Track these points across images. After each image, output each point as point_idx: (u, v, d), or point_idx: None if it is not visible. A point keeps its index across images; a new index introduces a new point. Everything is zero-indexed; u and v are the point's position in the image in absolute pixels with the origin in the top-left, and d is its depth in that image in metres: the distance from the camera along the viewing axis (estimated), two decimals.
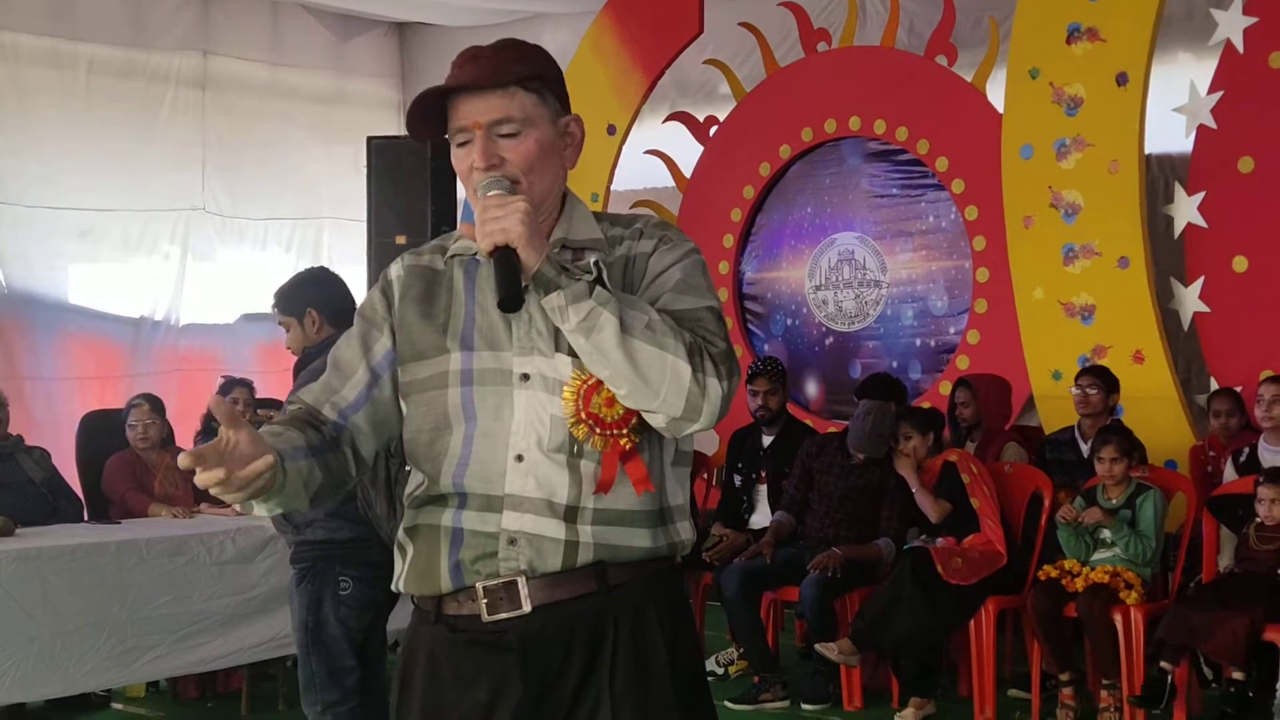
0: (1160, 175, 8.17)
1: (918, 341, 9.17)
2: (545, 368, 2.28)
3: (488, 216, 2.19)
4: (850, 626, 6.42)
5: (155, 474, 7.05)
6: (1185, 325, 7.64)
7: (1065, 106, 7.84)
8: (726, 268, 9.72)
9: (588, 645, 2.29)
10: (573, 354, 2.24)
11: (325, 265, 6.13)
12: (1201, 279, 7.52)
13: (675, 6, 9.51)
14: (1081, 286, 7.81)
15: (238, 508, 2.29)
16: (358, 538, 4.43)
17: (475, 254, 2.35)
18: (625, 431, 2.26)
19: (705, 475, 8.27)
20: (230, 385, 7.22)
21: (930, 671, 6.45)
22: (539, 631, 2.28)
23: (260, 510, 2.28)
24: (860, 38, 9.25)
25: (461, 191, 9.46)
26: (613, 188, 9.80)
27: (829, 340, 9.58)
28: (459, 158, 2.35)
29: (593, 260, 2.21)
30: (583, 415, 2.25)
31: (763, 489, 7.54)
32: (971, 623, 6.31)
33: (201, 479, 2.09)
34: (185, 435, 7.60)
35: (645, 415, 2.24)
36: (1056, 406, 7.73)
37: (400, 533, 2.41)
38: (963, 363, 8.61)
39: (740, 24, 9.65)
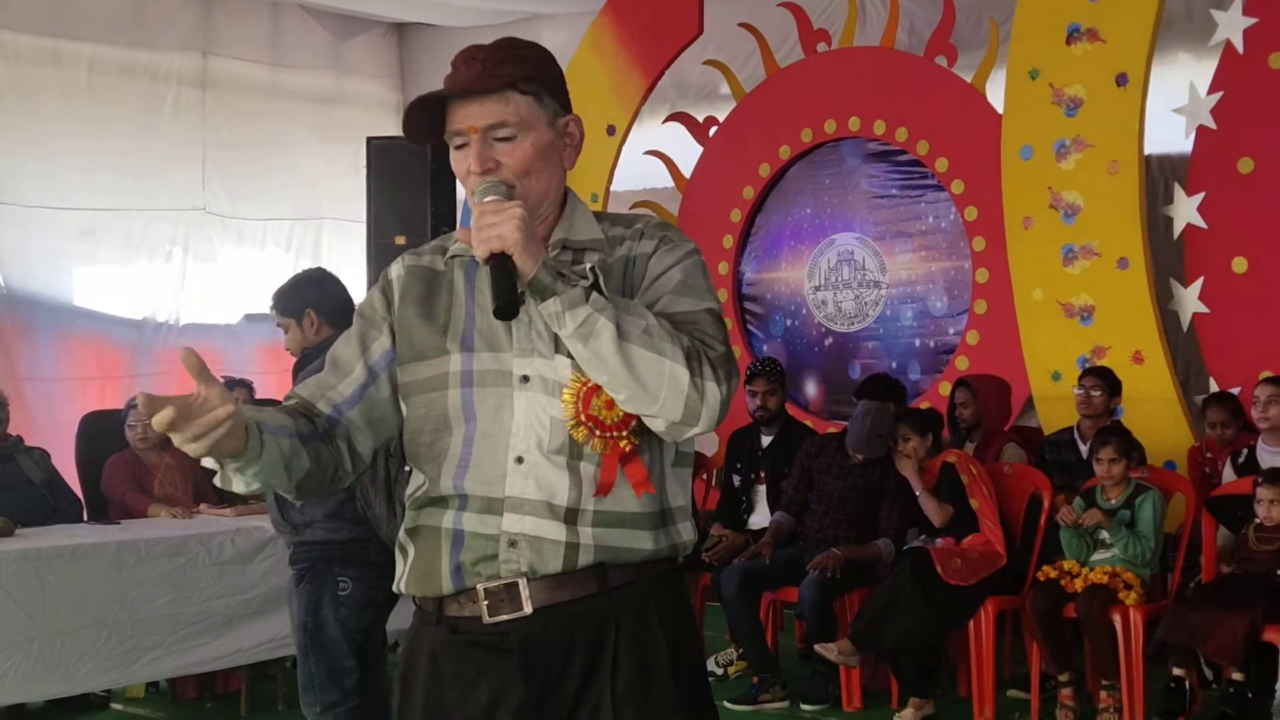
0: (1160, 176, 8.17)
1: (917, 342, 9.17)
2: (545, 369, 2.28)
3: (483, 223, 2.18)
4: (849, 627, 6.42)
5: (155, 474, 7.05)
6: (1185, 326, 7.64)
7: (1065, 107, 7.84)
8: (726, 268, 9.72)
9: (589, 647, 2.29)
10: (572, 356, 2.24)
11: (324, 266, 6.13)
12: (1201, 280, 7.52)
13: (675, 7, 9.51)
14: (1081, 287, 7.81)
15: (214, 468, 2.25)
16: (357, 538, 4.43)
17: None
18: (625, 434, 2.26)
19: (704, 476, 8.27)
20: (230, 386, 7.21)
21: (929, 672, 6.45)
22: (540, 633, 2.28)
23: (239, 483, 2.26)
24: (860, 38, 9.25)
25: (461, 192, 9.47)
26: (612, 188, 9.80)
27: (828, 341, 9.59)
28: (457, 160, 2.35)
29: (589, 266, 2.20)
30: (582, 417, 2.24)
31: (761, 489, 7.55)
32: (971, 623, 6.30)
33: (155, 420, 2.07)
34: None
35: (644, 419, 2.24)
36: (1056, 407, 7.73)
37: (401, 533, 2.41)
38: (962, 363, 8.61)
39: (740, 24, 9.65)
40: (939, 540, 6.56)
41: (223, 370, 8.68)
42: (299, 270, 5.15)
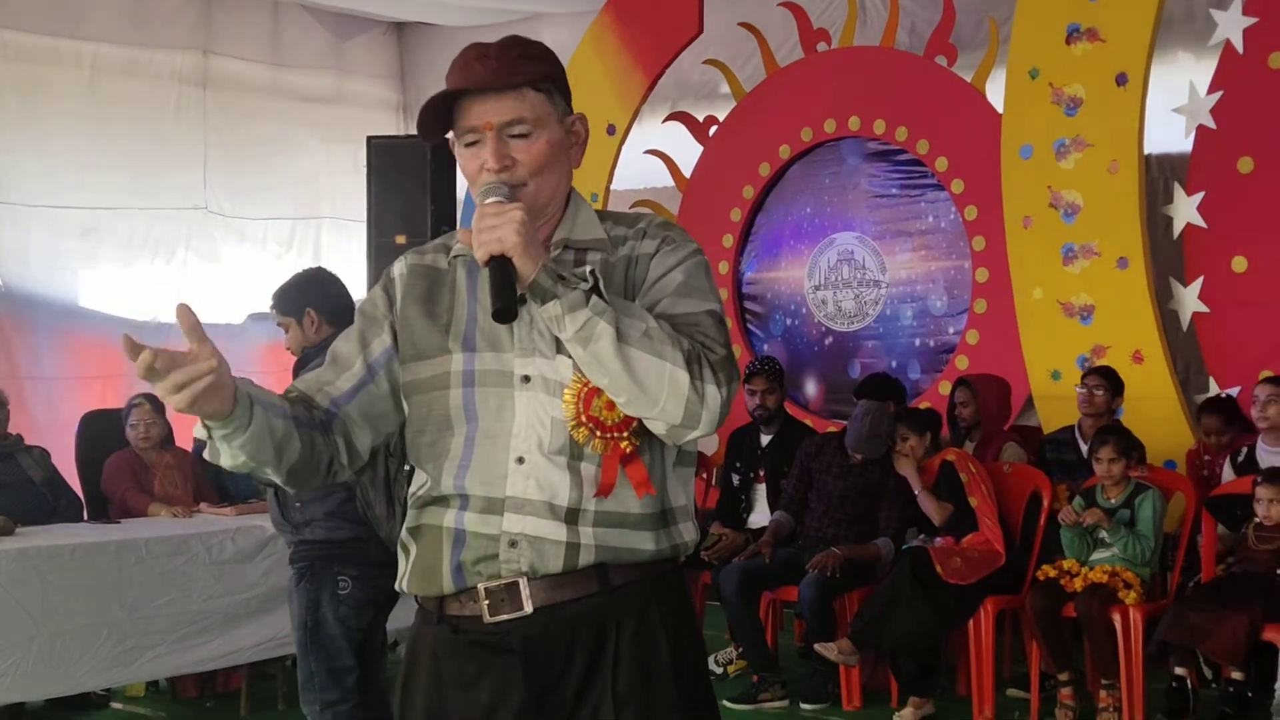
0: (1160, 175, 8.17)
1: (917, 341, 9.17)
2: (546, 369, 2.27)
3: (484, 225, 2.18)
4: (849, 626, 6.43)
5: (155, 473, 7.05)
6: (1184, 325, 7.64)
7: (1065, 107, 7.85)
8: (726, 267, 9.72)
9: (590, 647, 2.29)
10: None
11: (324, 265, 6.13)
12: (1200, 279, 7.52)
13: (675, 6, 9.51)
14: (1081, 286, 7.81)
15: (203, 437, 2.24)
16: (356, 537, 4.43)
17: None
18: (626, 435, 2.25)
19: (704, 475, 8.27)
20: None
21: (929, 671, 6.45)
22: (541, 633, 2.28)
23: (226, 455, 2.24)
24: (860, 38, 9.25)
25: (461, 191, 9.53)
26: (612, 187, 9.81)
27: (828, 340, 9.59)
28: (467, 158, 2.33)
29: (589, 269, 2.19)
30: (583, 418, 2.24)
31: (761, 488, 7.55)
32: (970, 622, 6.31)
33: (138, 365, 2.07)
34: (185, 435, 7.59)
35: (645, 422, 2.23)
36: (1055, 406, 7.73)
37: (404, 532, 2.41)
38: (962, 363, 8.62)
39: (740, 24, 9.66)
40: (938, 539, 6.56)
41: None
42: (299, 269, 5.14)
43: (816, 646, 6.41)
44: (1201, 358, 7.68)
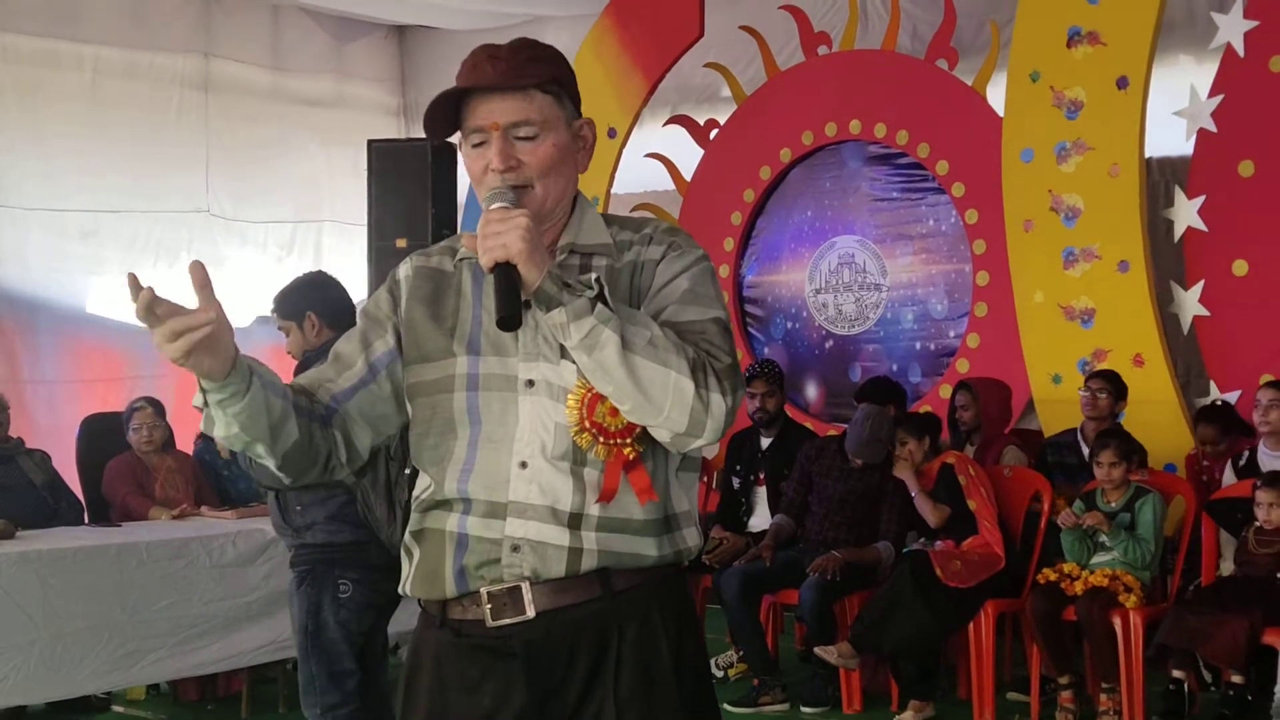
0: (1160, 179, 8.17)
1: (918, 345, 9.17)
2: (551, 374, 2.27)
3: (489, 231, 2.17)
4: (849, 629, 6.43)
5: (156, 477, 7.06)
6: (1185, 329, 7.64)
7: (1066, 110, 7.85)
8: (727, 271, 9.72)
9: (592, 651, 2.28)
10: None
11: (325, 268, 6.14)
12: (1201, 283, 7.52)
13: (676, 10, 9.51)
14: (1081, 290, 7.81)
15: (200, 406, 2.22)
16: (357, 541, 4.43)
17: None
18: (629, 441, 2.24)
19: (704, 478, 8.28)
20: None
21: (929, 674, 6.46)
22: (543, 637, 2.28)
23: (220, 423, 2.21)
24: (861, 41, 9.25)
25: (462, 195, 9.52)
26: (612, 191, 9.81)
27: (829, 343, 9.59)
28: (473, 158, 2.33)
29: (594, 276, 2.19)
30: (586, 424, 2.23)
31: (761, 491, 7.55)
32: (970, 626, 6.31)
33: (138, 304, 2.07)
34: (186, 438, 7.61)
35: (650, 430, 2.23)
36: (1056, 410, 7.73)
37: (407, 535, 2.40)
38: (963, 366, 8.62)
39: (741, 27, 9.66)
40: (938, 543, 6.56)
41: None
42: (300, 273, 5.14)
43: (817, 650, 6.41)
44: (1202, 361, 7.67)
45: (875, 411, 6.93)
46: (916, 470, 6.74)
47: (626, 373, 2.15)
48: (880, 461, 6.85)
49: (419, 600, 2.41)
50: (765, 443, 7.60)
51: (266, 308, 5.09)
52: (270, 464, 2.31)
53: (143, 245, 10.05)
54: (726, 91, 9.92)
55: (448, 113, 2.33)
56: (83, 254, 9.78)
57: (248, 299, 10.11)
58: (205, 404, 2.22)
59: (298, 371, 4.68)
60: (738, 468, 7.67)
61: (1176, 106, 7.59)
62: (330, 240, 11.26)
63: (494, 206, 2.22)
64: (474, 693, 2.32)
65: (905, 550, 6.70)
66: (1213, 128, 7.45)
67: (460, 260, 2.40)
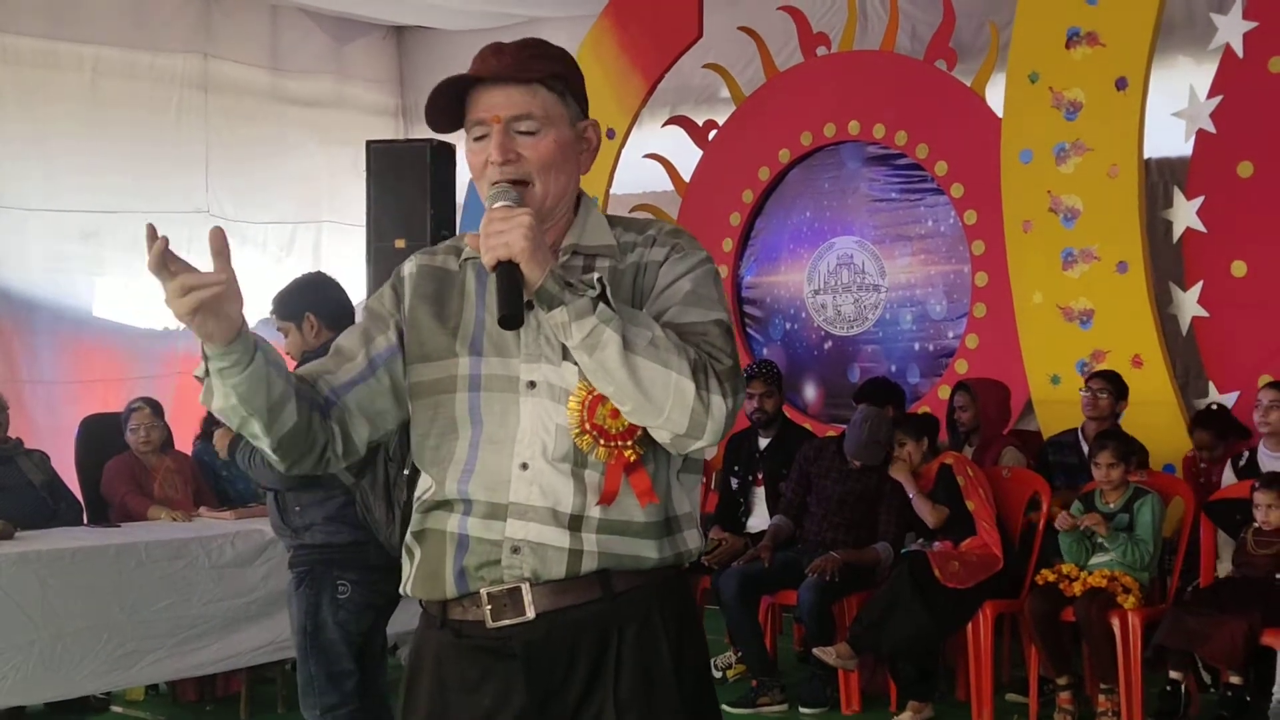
0: (1159, 180, 8.17)
1: (916, 346, 9.17)
2: (552, 376, 2.26)
3: (491, 230, 2.17)
4: (848, 630, 6.43)
5: (155, 477, 7.06)
6: (1184, 330, 7.64)
7: (1065, 111, 7.85)
8: (725, 272, 9.72)
9: (592, 652, 2.28)
10: None
11: (325, 269, 6.13)
12: (1200, 284, 7.52)
13: (674, 11, 9.52)
14: (1080, 291, 7.82)
15: (200, 375, 2.22)
16: (356, 541, 4.43)
17: None
18: (630, 443, 2.24)
19: (702, 479, 8.27)
20: None
21: (928, 675, 6.46)
22: (543, 638, 2.27)
23: (219, 393, 2.21)
24: (860, 42, 9.25)
25: (461, 195, 9.50)
26: (611, 192, 9.81)
27: (828, 344, 9.59)
28: (474, 152, 2.32)
29: (596, 276, 2.18)
30: (587, 426, 2.23)
31: (759, 491, 7.55)
32: (969, 626, 6.31)
33: (151, 254, 2.09)
34: (185, 439, 7.61)
35: (650, 431, 2.22)
36: (1055, 411, 7.73)
37: (409, 536, 2.40)
38: (961, 367, 8.62)
39: (740, 28, 9.66)
40: (937, 544, 6.57)
41: None
42: (300, 273, 5.14)
43: (815, 650, 6.41)
44: (1201, 362, 7.68)
45: (874, 413, 6.93)
46: (915, 471, 6.74)
47: (628, 373, 2.14)
48: (879, 463, 6.85)
49: (420, 601, 2.41)
50: (763, 443, 7.61)
51: (265, 308, 5.08)
52: (265, 445, 2.29)
53: (142, 246, 9.97)
54: (725, 92, 9.92)
55: (451, 106, 2.32)
56: (82, 254, 9.78)
57: (247, 299, 10.12)
58: (206, 373, 2.22)
59: None
60: (736, 468, 7.67)
61: (1175, 107, 7.59)
62: (329, 241, 11.26)
63: (497, 205, 2.22)
64: (474, 693, 2.32)
65: (904, 551, 6.70)
66: (1212, 129, 7.46)
67: (465, 260, 2.40)
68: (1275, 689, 5.60)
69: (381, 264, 8.82)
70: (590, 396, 2.23)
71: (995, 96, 8.36)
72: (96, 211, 9.78)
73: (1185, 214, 7.55)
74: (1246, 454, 6.63)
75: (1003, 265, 8.23)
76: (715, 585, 6.88)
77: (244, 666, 6.38)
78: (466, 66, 2.34)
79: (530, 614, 2.27)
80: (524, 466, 2.26)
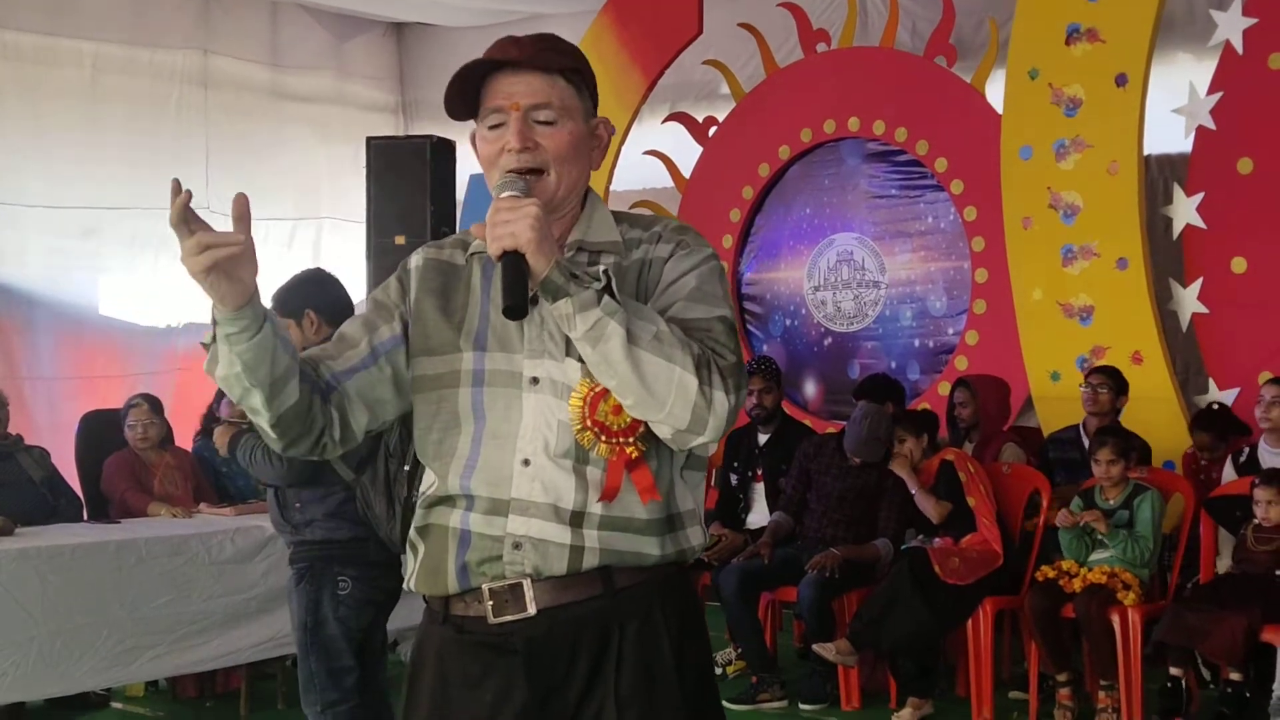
0: (1159, 176, 8.17)
1: (916, 342, 9.17)
2: (555, 372, 2.26)
3: (498, 219, 2.15)
4: (848, 627, 6.43)
5: (155, 474, 7.06)
6: (1184, 326, 7.65)
7: (1064, 107, 7.85)
8: (725, 268, 9.70)
9: (593, 649, 2.28)
10: (583, 360, 2.21)
11: (323, 266, 6.13)
12: (1200, 280, 7.52)
13: (674, 7, 9.52)
14: (1080, 287, 7.82)
15: (207, 341, 2.22)
16: (356, 538, 4.43)
17: None
18: (632, 440, 2.23)
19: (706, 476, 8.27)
20: None
21: (928, 672, 6.46)
22: (544, 634, 2.27)
23: (224, 359, 2.20)
24: (860, 38, 9.26)
25: (461, 192, 9.49)
26: (611, 188, 9.81)
27: (828, 341, 9.59)
28: (489, 140, 2.31)
29: (602, 269, 2.18)
30: (588, 422, 2.22)
31: (759, 487, 7.56)
32: (969, 623, 6.31)
33: (174, 207, 2.10)
34: (185, 435, 7.61)
35: (652, 426, 2.22)
36: (1055, 407, 7.74)
37: (412, 531, 2.40)
38: (961, 363, 8.62)
39: (739, 24, 9.66)
40: (937, 540, 6.57)
41: None
42: (300, 269, 5.14)
43: (815, 647, 6.42)
44: (1201, 359, 7.68)
45: (873, 410, 6.93)
46: (915, 468, 6.74)
47: (630, 366, 2.14)
48: (879, 460, 6.85)
49: (423, 596, 2.41)
50: (763, 439, 7.61)
51: (265, 304, 5.07)
52: (264, 421, 2.28)
53: (143, 242, 10.05)
54: (725, 89, 9.92)
55: (467, 94, 2.32)
56: (82, 251, 9.78)
57: None
58: (213, 339, 2.22)
59: None
60: (735, 464, 7.67)
61: (1175, 104, 7.59)
62: (329, 237, 11.26)
63: (505, 195, 2.21)
64: (476, 689, 2.31)
65: (904, 547, 6.70)
66: (1211, 125, 7.46)
67: (471, 255, 2.40)
68: (1275, 685, 5.60)
69: (381, 260, 8.82)
70: (592, 393, 2.22)
71: (995, 93, 8.36)
72: (96, 208, 9.78)
73: (1185, 210, 7.55)
74: (1247, 450, 6.63)
75: (1003, 262, 8.23)
76: (715, 581, 6.89)
77: (244, 663, 6.38)
78: (466, 63, 2.33)
79: (531, 610, 2.26)
80: (526, 462, 2.26)
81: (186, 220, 2.11)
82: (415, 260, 2.45)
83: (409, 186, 9.06)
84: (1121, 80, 7.62)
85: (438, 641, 2.37)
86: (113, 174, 9.85)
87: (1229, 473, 6.61)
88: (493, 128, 2.31)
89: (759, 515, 7.46)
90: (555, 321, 2.22)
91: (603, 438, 2.23)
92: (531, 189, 2.24)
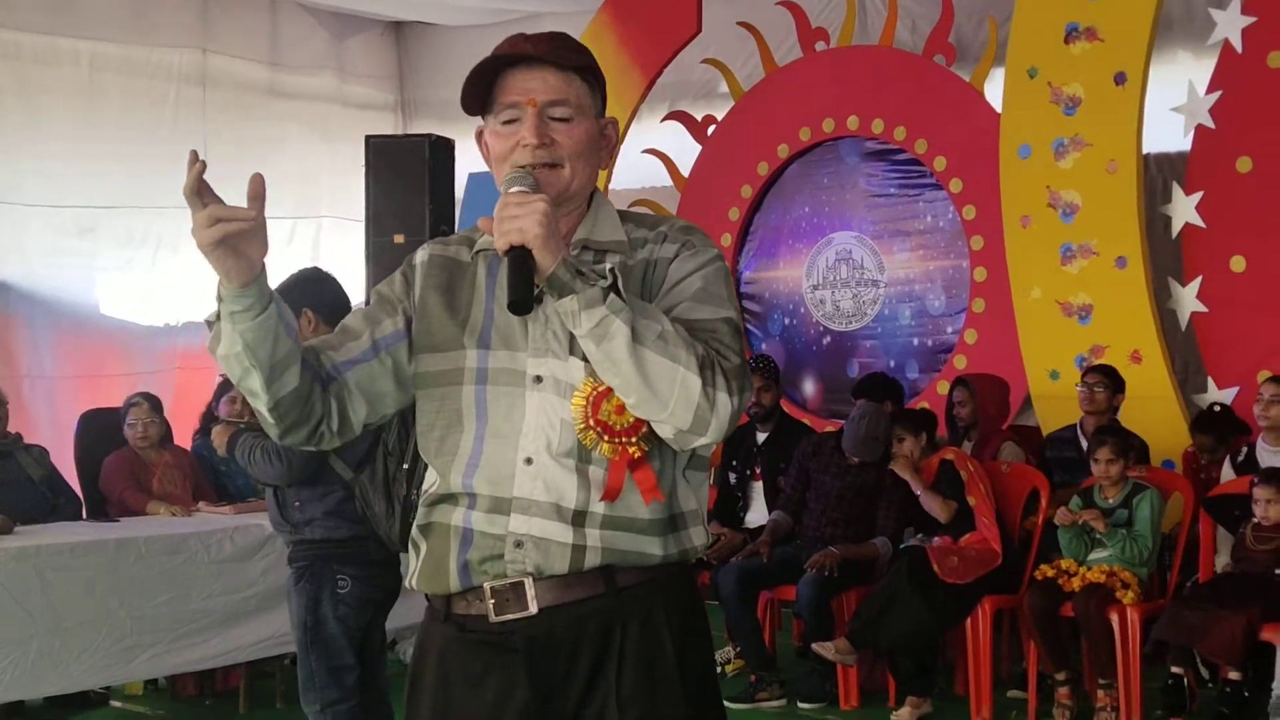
0: (1158, 175, 8.18)
1: (915, 341, 9.18)
2: (558, 371, 2.25)
3: (506, 215, 2.15)
4: (847, 625, 6.43)
5: (154, 472, 7.05)
6: (1183, 325, 7.65)
7: (1063, 106, 7.85)
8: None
9: (594, 648, 2.27)
10: (587, 359, 2.21)
11: (322, 264, 6.13)
12: (1199, 279, 7.53)
13: (673, 6, 9.52)
14: (1079, 286, 7.82)
15: (211, 318, 2.23)
16: (356, 536, 4.42)
17: None
18: (634, 440, 2.23)
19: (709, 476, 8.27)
20: (229, 384, 7.18)
21: (927, 671, 6.46)
22: (546, 633, 2.27)
23: (226, 337, 2.20)
24: (859, 37, 9.27)
25: (460, 190, 9.50)
26: (611, 187, 9.81)
27: (826, 339, 9.60)
28: (502, 136, 2.30)
29: (609, 266, 2.17)
30: (591, 422, 2.22)
31: (758, 486, 7.56)
32: (968, 622, 6.31)
33: (188, 179, 2.10)
34: (184, 434, 7.60)
35: (654, 426, 2.21)
36: (1054, 406, 7.74)
37: (414, 529, 2.39)
38: (960, 362, 8.63)
39: (738, 23, 9.67)
40: (936, 539, 6.56)
41: (221, 368, 8.69)
42: (297, 268, 5.13)
43: (814, 646, 6.41)
44: (1200, 357, 7.68)
45: (872, 409, 6.93)
46: (914, 467, 6.73)
47: (634, 365, 2.13)
48: (877, 459, 6.84)
49: (425, 595, 2.40)
50: (761, 438, 7.61)
51: None
52: (263, 405, 2.28)
53: (140, 240, 10.05)
54: (724, 87, 9.92)
55: (479, 89, 2.31)
56: (81, 249, 9.78)
57: None
58: (217, 318, 2.22)
59: None
60: (734, 463, 7.67)
61: (1174, 102, 7.60)
62: (328, 236, 11.27)
63: (513, 190, 2.20)
64: (477, 687, 2.31)
65: (903, 546, 6.70)
66: (1211, 124, 7.46)
67: (477, 252, 2.39)
68: (1275, 684, 5.60)
69: (380, 259, 8.81)
70: (595, 392, 2.22)
71: (994, 92, 8.37)
72: (94, 207, 9.78)
73: (1184, 209, 7.56)
74: (1245, 449, 6.63)
75: (1001, 260, 8.24)
76: (714, 580, 6.88)
77: (243, 661, 6.38)
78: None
79: (533, 609, 2.26)
80: (528, 461, 2.26)
81: (200, 192, 2.12)
82: (421, 255, 2.44)
83: (408, 185, 9.05)
84: (1120, 79, 7.62)
85: (439, 640, 2.37)
86: (111, 173, 9.85)
87: (1227, 472, 6.61)
88: (507, 123, 2.30)
89: (757, 514, 7.46)
90: (560, 320, 2.21)
91: (605, 437, 2.23)
92: (541, 184, 2.24)
